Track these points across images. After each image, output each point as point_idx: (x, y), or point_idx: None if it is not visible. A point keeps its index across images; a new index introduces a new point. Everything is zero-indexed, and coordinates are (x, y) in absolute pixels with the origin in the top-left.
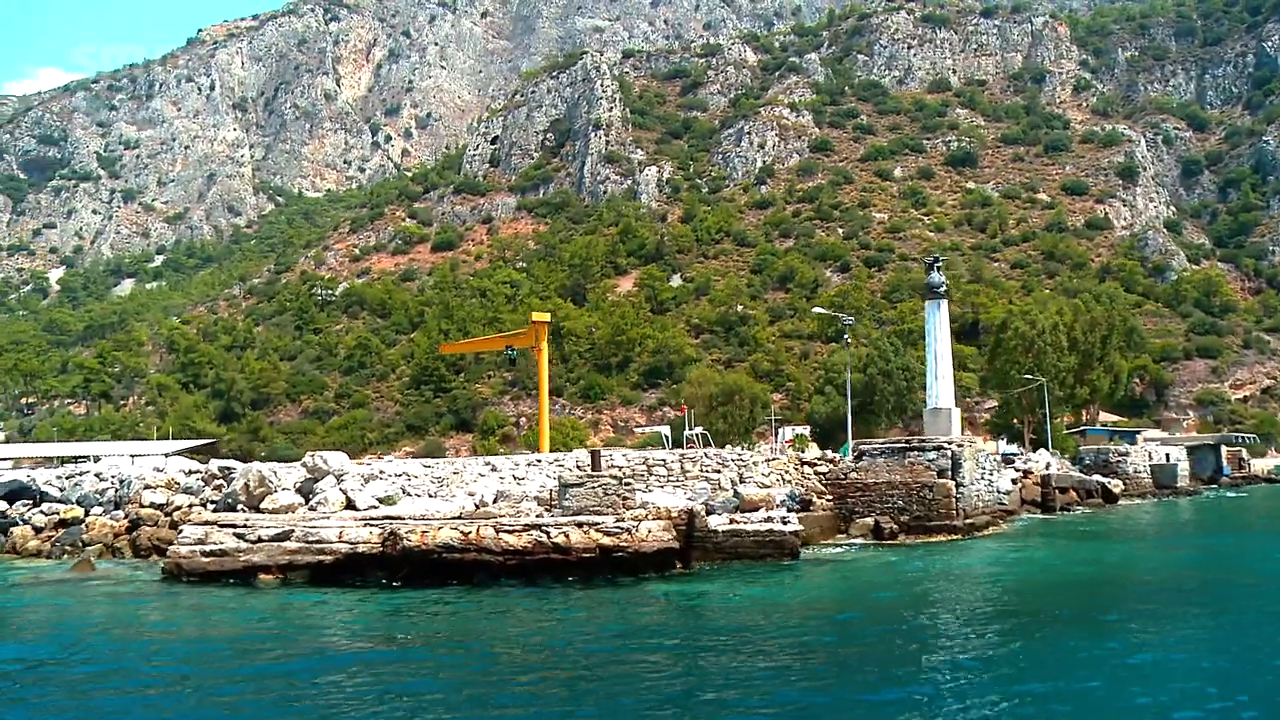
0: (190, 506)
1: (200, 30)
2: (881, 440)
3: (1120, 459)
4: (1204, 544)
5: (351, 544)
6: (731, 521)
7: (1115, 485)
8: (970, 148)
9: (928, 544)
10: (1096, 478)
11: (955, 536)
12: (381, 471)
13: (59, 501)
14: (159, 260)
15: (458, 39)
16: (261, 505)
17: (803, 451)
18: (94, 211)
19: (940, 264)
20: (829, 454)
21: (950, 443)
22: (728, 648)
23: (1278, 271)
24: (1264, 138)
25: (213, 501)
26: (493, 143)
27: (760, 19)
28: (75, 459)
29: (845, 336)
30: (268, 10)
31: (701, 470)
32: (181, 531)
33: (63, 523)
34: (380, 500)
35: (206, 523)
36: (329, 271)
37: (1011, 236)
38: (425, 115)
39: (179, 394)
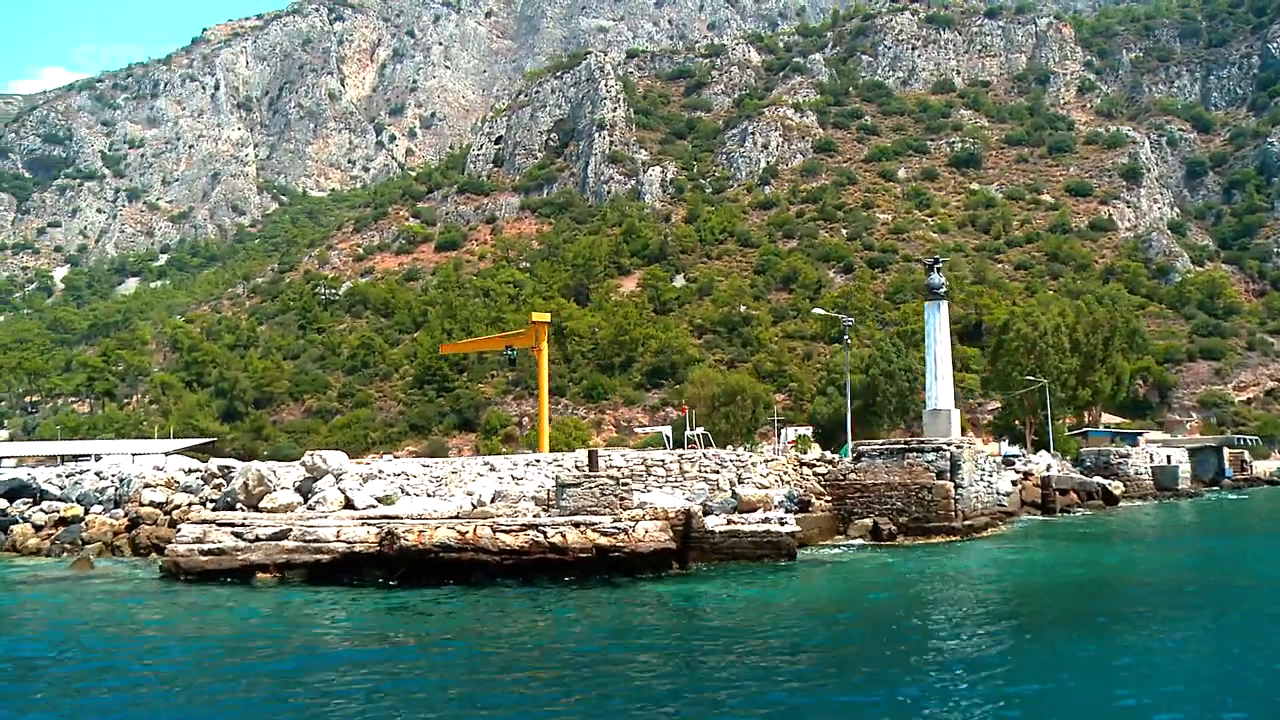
0: (189, 505)
1: (205, 29)
2: (880, 441)
3: (1121, 461)
4: (1202, 546)
5: (349, 543)
6: (729, 522)
7: (1116, 487)
8: (974, 149)
9: (926, 545)
10: (1097, 479)
11: (954, 538)
12: (380, 471)
13: (59, 500)
14: (163, 259)
15: (462, 39)
16: (260, 504)
17: (805, 452)
18: (98, 210)
19: (940, 265)
20: (828, 455)
21: (949, 444)
22: (719, 648)
23: None
24: (1269, 139)
25: (212, 500)
26: (497, 143)
27: (764, 19)
28: (76, 457)
29: (845, 338)
30: (272, 10)
31: (700, 471)
32: (180, 530)
33: (62, 521)
34: (379, 500)
35: (205, 521)
36: (333, 271)
37: (1015, 238)
38: (429, 115)
39: (182, 393)
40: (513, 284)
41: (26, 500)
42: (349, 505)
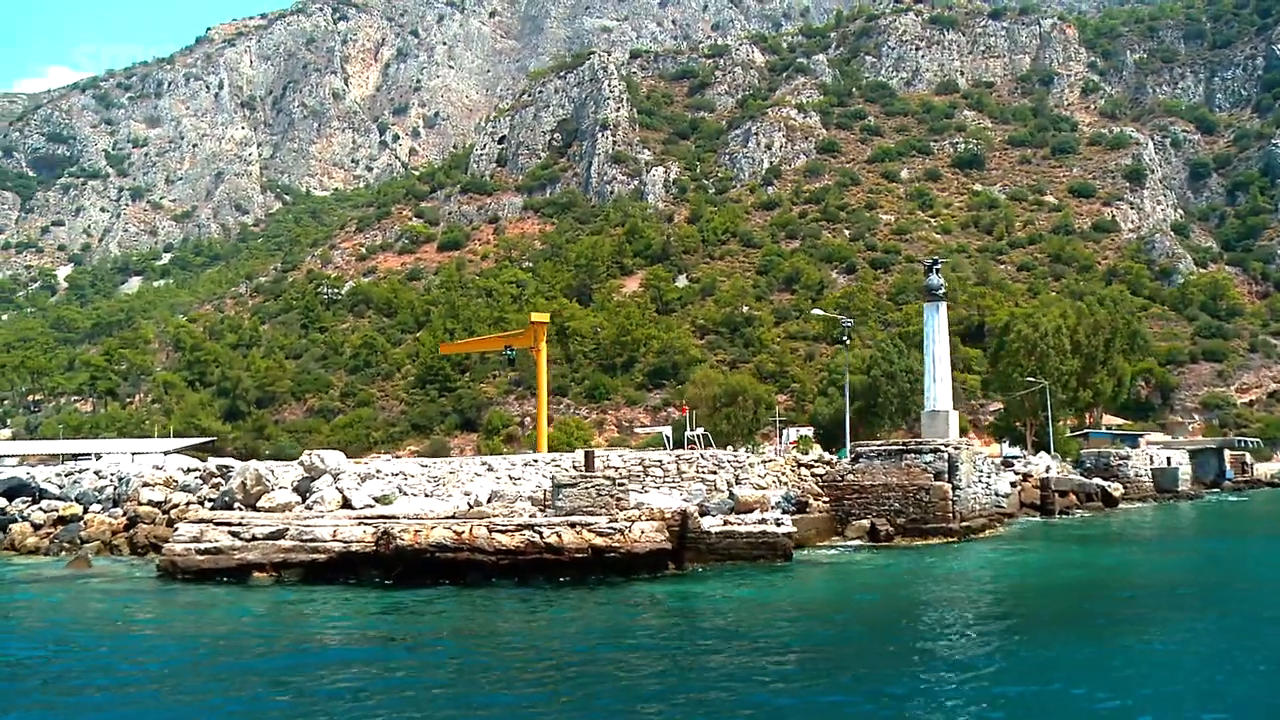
0: (188, 505)
1: (209, 29)
2: (878, 442)
3: (1121, 462)
4: (1199, 548)
5: (345, 543)
6: (725, 523)
7: (1115, 489)
8: (977, 149)
9: (923, 546)
10: (1096, 481)
11: (951, 539)
12: (378, 470)
13: (58, 499)
14: (166, 258)
15: (466, 39)
16: (258, 504)
17: (807, 453)
18: (102, 209)
19: (939, 266)
20: (825, 456)
21: (947, 445)
22: (710, 648)
23: None
24: (1273, 141)
25: (210, 500)
26: (500, 142)
27: (768, 20)
28: (76, 456)
29: (844, 339)
30: (276, 9)
31: (698, 471)
32: (177, 529)
33: (61, 520)
34: (376, 499)
35: (202, 521)
36: (335, 270)
37: (1018, 239)
38: (433, 115)
39: (185, 392)
40: (515, 284)
41: (25, 499)
42: (346, 505)
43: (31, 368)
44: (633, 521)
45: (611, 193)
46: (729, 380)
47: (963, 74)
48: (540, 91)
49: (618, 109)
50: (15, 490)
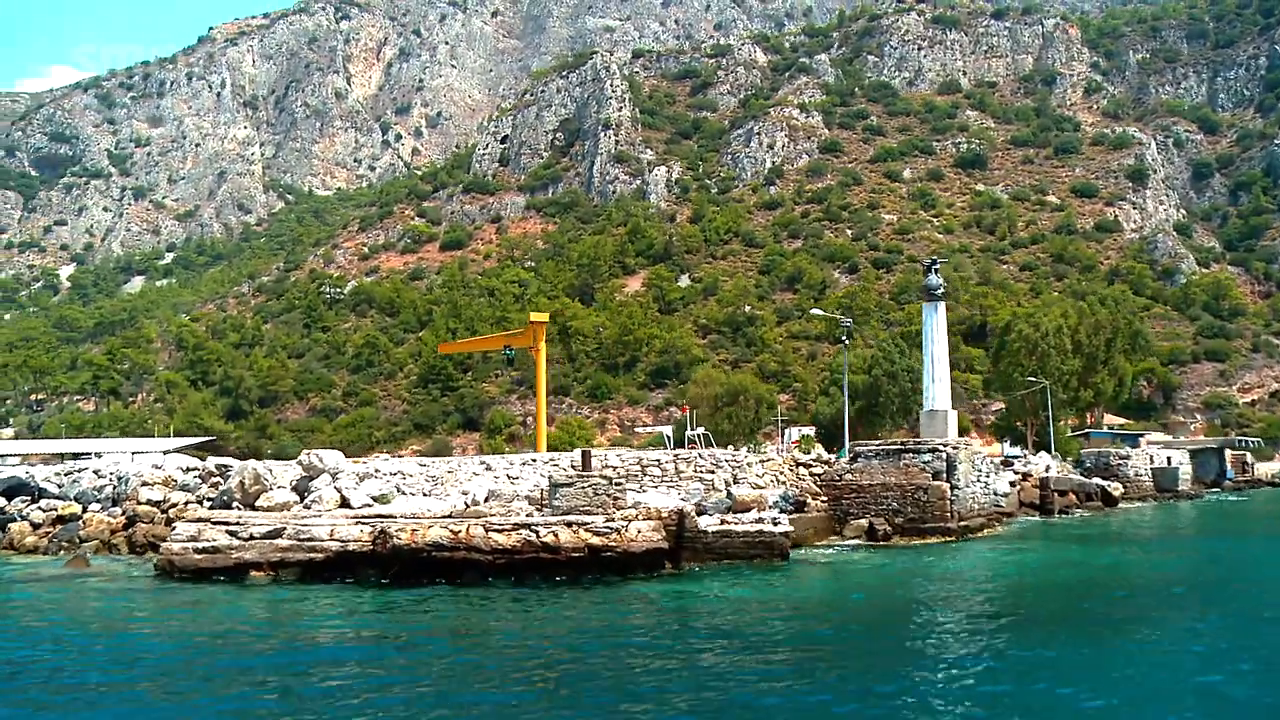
0: (186, 504)
1: (211, 28)
2: (877, 442)
3: (1121, 462)
4: (1197, 548)
5: (342, 542)
6: (722, 522)
7: (1115, 488)
8: (980, 149)
9: (921, 546)
10: (1096, 481)
11: (949, 539)
12: (377, 470)
13: (57, 498)
14: (169, 257)
15: (468, 38)
16: (257, 503)
17: (808, 453)
18: (104, 209)
19: (938, 266)
20: (824, 455)
21: (945, 445)
22: (701, 647)
23: None
24: (1275, 140)
25: (209, 499)
26: (502, 142)
27: (771, 19)
28: (77, 456)
29: (844, 339)
30: (279, 8)
31: (695, 471)
32: (175, 528)
33: (60, 519)
34: (374, 499)
35: (200, 520)
36: (338, 270)
37: (1020, 239)
38: (435, 114)
39: (187, 391)
40: (517, 283)
41: (25, 498)
42: (345, 504)
43: (34, 367)
44: (629, 521)
45: (614, 192)
46: (731, 380)
47: (965, 74)
48: (543, 91)
49: (620, 109)
50: (14, 489)
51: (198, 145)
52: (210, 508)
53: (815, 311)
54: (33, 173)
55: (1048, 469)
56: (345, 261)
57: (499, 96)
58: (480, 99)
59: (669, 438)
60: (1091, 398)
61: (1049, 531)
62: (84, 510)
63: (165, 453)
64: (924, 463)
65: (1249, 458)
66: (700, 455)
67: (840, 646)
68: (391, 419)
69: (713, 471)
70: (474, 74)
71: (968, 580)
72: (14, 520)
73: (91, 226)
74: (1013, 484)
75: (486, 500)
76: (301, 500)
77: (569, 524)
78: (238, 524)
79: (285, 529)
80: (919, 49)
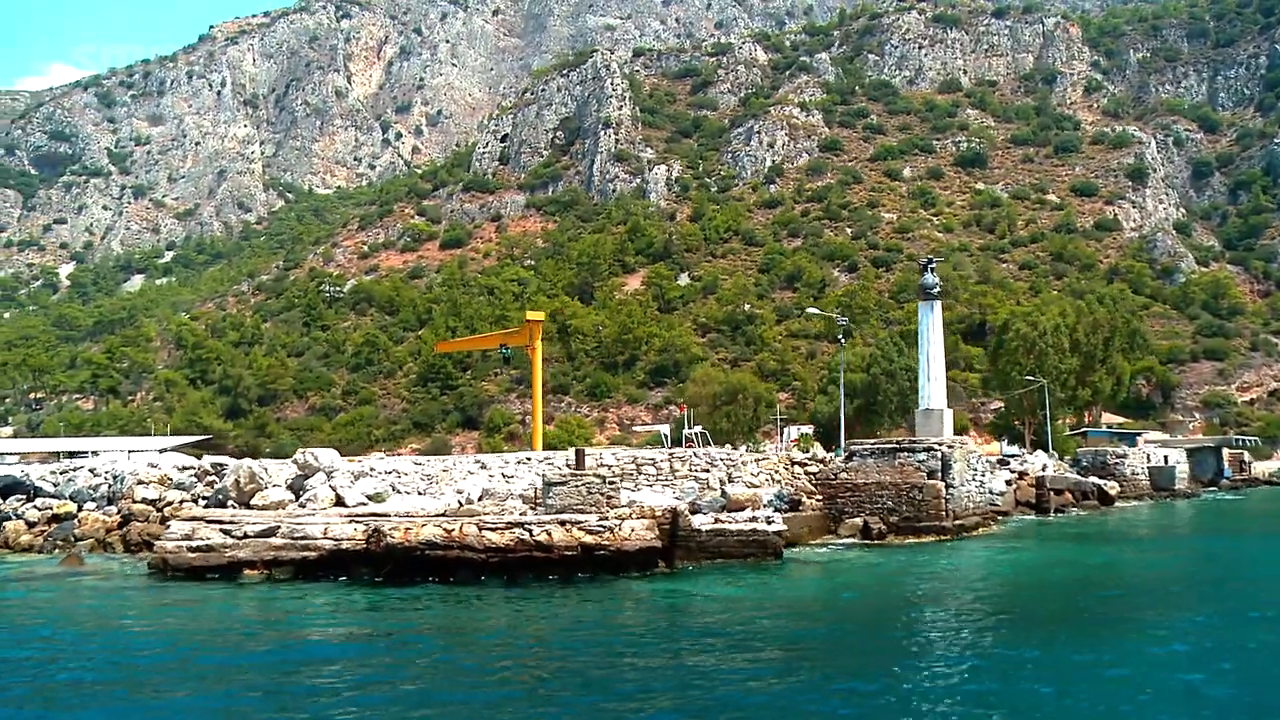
0: (181, 503)
1: (212, 27)
2: (872, 441)
3: (1118, 461)
4: (1190, 547)
5: (336, 540)
6: (716, 521)
7: (1112, 487)
8: (980, 148)
9: (915, 545)
10: (1093, 479)
11: (944, 537)
12: (372, 469)
13: (52, 496)
14: (169, 256)
15: (469, 37)
16: (252, 502)
17: (807, 451)
18: (104, 207)
19: (934, 265)
20: (819, 454)
21: (940, 444)
22: (691, 646)
23: None
24: (1275, 140)
25: (204, 498)
26: (502, 140)
27: (771, 18)
28: (73, 454)
29: (841, 337)
30: (279, 7)
31: (690, 470)
32: (169, 527)
33: (55, 518)
34: (369, 497)
35: (194, 518)
36: (338, 268)
37: (1020, 237)
38: (436, 113)
39: (186, 390)
40: (517, 282)
41: (20, 497)
42: (340, 503)
43: (33, 366)
44: (623, 519)
45: (614, 191)
46: (730, 378)
47: (965, 73)
48: (543, 90)
49: (620, 107)
50: (10, 488)
51: (198, 144)
52: (206, 506)
53: (812, 310)
54: (32, 171)
55: (1044, 468)
56: (345, 260)
57: (499, 95)
58: (481, 97)
59: (667, 436)
60: (1090, 396)
61: (1044, 530)
62: (79, 509)
63: (161, 451)
64: (919, 462)
65: (1246, 456)
66: (695, 454)
67: (829, 645)
68: (391, 418)
69: (708, 470)
70: (474, 72)
71: (960, 579)
72: (9, 519)
73: (91, 225)
74: (1009, 483)
75: (481, 499)
76: (297, 499)
77: (562, 523)
78: (232, 522)
79: (279, 527)
80: (919, 48)
